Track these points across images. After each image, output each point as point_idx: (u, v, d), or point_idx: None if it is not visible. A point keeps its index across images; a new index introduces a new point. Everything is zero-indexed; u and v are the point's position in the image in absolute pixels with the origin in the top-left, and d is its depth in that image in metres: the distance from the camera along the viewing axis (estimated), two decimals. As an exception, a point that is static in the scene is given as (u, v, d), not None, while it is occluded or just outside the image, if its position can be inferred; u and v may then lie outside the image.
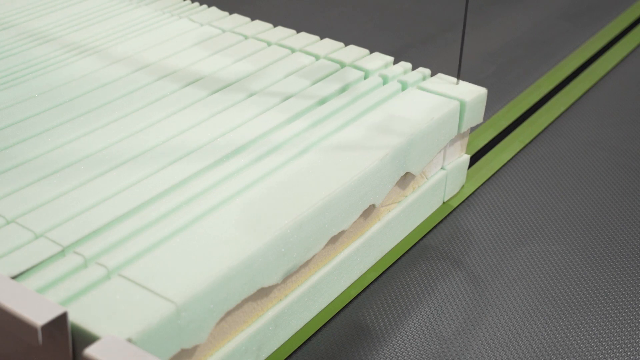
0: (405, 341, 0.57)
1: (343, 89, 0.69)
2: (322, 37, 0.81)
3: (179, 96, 0.67)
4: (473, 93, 0.68)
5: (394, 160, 0.61)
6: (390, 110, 0.66)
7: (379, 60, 0.73)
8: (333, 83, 0.69)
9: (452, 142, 0.69)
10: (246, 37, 0.78)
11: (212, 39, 0.77)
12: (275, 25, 0.82)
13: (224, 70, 0.72)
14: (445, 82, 0.70)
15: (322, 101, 0.67)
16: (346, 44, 0.78)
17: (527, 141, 0.82)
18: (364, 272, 0.62)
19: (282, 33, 0.78)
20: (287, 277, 0.54)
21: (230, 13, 0.84)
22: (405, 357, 0.56)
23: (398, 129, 0.63)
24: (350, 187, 0.57)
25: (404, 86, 0.70)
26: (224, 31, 0.79)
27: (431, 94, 0.68)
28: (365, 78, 0.72)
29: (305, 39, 0.77)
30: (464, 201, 0.72)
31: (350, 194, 0.57)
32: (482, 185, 0.75)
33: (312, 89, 0.68)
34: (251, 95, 0.68)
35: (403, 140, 0.61)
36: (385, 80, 0.71)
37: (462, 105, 0.67)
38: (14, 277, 0.47)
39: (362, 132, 0.62)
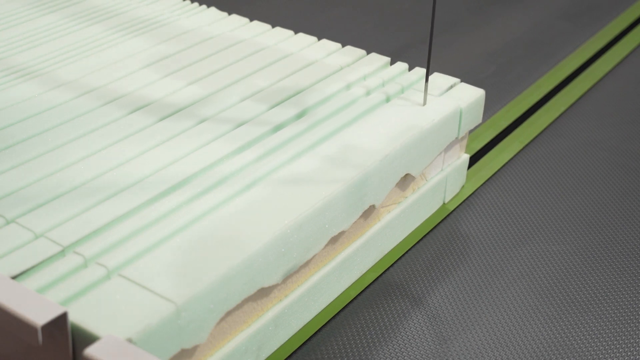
0: (405, 341, 0.57)
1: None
2: (320, 38, 0.81)
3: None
4: (471, 97, 0.68)
5: (349, 194, 0.57)
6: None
7: (376, 62, 0.73)
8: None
9: (452, 143, 0.69)
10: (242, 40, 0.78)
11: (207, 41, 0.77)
12: (273, 26, 0.82)
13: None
14: (442, 81, 0.70)
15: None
16: (345, 44, 0.78)
17: (527, 141, 0.82)
18: (364, 272, 0.62)
19: (280, 34, 0.78)
20: (287, 277, 0.54)
21: (230, 14, 0.84)
22: (405, 357, 0.56)
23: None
24: (350, 187, 0.56)
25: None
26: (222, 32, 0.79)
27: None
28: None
29: (303, 40, 0.77)
30: (464, 201, 0.72)
31: (350, 194, 0.57)
32: (482, 185, 0.75)
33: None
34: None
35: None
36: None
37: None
38: (14, 277, 0.47)
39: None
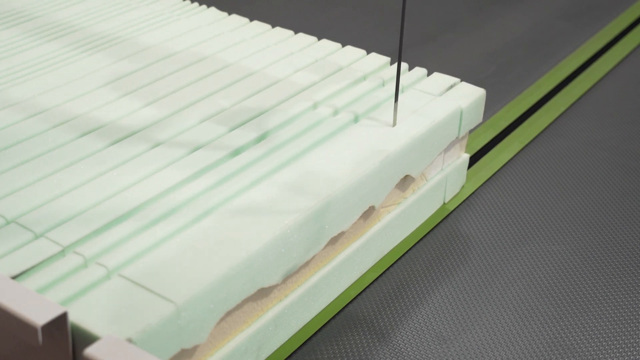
0: (405, 341, 0.57)
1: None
2: (321, 37, 0.81)
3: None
4: (471, 96, 0.68)
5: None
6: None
7: (376, 62, 0.73)
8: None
9: (452, 143, 0.69)
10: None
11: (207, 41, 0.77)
12: (273, 26, 0.82)
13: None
14: (442, 81, 0.70)
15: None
16: (345, 44, 0.78)
17: (527, 141, 0.82)
18: (364, 272, 0.62)
19: (280, 34, 0.78)
20: (287, 278, 0.54)
21: (230, 14, 0.84)
22: (405, 357, 0.56)
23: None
24: (349, 188, 0.56)
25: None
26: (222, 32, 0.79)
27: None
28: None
29: (303, 40, 0.77)
30: (463, 201, 0.72)
31: (349, 195, 0.57)
32: (481, 185, 0.75)
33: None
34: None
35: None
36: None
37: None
38: (14, 277, 0.47)
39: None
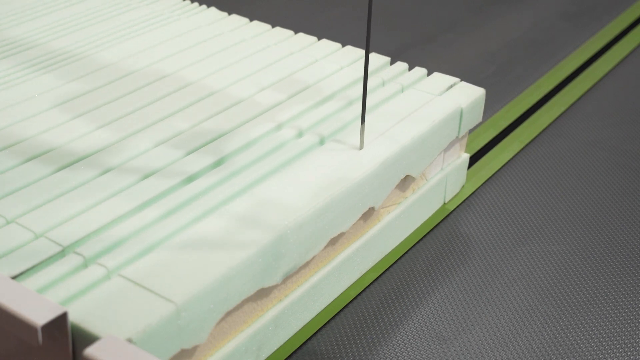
0: (405, 341, 0.57)
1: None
2: (320, 38, 0.81)
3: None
4: (471, 96, 0.68)
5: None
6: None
7: (376, 62, 0.73)
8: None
9: (452, 142, 0.69)
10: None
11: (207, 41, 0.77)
12: (273, 26, 0.82)
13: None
14: (442, 81, 0.70)
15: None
16: (345, 44, 0.78)
17: (527, 141, 0.82)
18: (364, 272, 0.62)
19: (280, 34, 0.78)
20: (287, 278, 0.54)
21: (230, 14, 0.84)
22: (405, 357, 0.56)
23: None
24: (349, 189, 0.56)
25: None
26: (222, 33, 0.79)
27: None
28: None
29: (303, 40, 0.77)
30: (463, 201, 0.72)
31: (349, 196, 0.57)
32: (482, 185, 0.75)
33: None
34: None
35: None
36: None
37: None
38: (14, 277, 0.47)
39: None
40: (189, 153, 0.59)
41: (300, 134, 0.62)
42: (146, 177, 0.56)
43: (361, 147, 0.59)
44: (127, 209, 0.52)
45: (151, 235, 0.50)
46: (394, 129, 0.62)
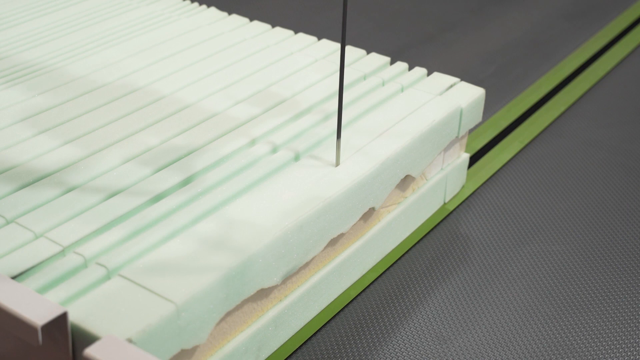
0: (405, 341, 0.57)
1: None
2: (320, 38, 0.81)
3: None
4: (471, 96, 0.68)
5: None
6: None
7: (376, 62, 0.73)
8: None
9: (452, 142, 0.69)
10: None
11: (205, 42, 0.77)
12: (273, 26, 0.82)
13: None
14: (442, 81, 0.70)
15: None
16: (345, 45, 0.78)
17: (527, 141, 0.82)
18: (364, 273, 0.62)
19: (280, 34, 0.78)
20: (287, 278, 0.54)
21: (230, 14, 0.84)
22: (405, 357, 0.56)
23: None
24: (349, 190, 0.56)
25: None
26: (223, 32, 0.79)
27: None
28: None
29: (303, 40, 0.77)
30: (464, 201, 0.72)
31: (349, 197, 0.57)
32: (482, 185, 0.75)
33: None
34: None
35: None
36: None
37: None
38: (14, 277, 0.47)
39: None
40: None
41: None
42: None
43: (337, 164, 0.57)
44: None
45: (151, 235, 0.50)
46: (394, 129, 0.62)
